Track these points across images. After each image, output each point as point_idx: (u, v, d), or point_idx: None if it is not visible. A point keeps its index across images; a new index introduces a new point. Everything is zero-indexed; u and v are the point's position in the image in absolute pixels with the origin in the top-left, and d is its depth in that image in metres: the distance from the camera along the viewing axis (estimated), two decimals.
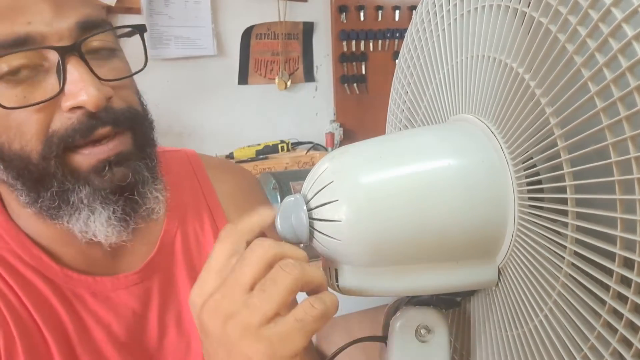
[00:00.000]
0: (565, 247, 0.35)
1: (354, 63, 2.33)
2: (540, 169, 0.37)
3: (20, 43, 0.43)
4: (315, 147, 2.20)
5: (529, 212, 0.38)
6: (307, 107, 2.31)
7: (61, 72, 0.45)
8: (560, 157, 0.34)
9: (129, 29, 0.52)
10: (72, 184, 0.47)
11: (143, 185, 0.50)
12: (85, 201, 0.47)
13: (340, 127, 2.30)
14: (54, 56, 0.45)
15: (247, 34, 2.14)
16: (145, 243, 0.58)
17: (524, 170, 0.38)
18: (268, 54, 2.21)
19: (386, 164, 0.39)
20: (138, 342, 0.57)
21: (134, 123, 0.50)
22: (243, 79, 2.14)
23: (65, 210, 0.48)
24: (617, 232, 0.30)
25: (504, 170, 0.39)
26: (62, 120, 0.46)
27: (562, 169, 0.34)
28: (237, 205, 0.67)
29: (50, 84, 0.46)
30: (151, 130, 0.54)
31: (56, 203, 0.48)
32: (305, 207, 0.39)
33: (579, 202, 0.34)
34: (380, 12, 2.34)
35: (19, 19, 0.43)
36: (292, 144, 2.14)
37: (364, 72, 2.35)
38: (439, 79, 0.49)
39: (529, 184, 0.38)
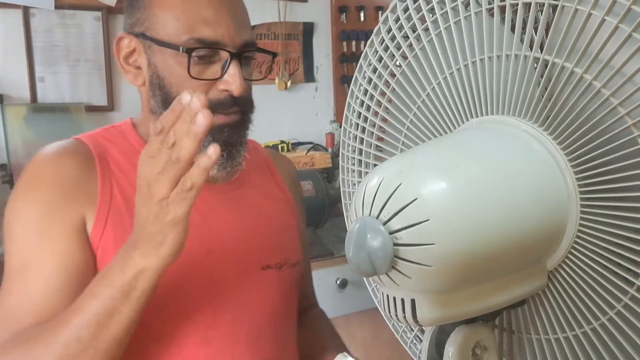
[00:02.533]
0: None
1: (354, 63, 2.32)
2: (595, 167, 0.36)
3: (215, 44, 0.71)
4: (316, 147, 2.20)
5: (590, 212, 0.38)
6: (307, 108, 2.31)
7: (226, 66, 0.72)
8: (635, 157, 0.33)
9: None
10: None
11: (239, 145, 0.76)
12: (205, 145, 0.62)
13: (340, 127, 2.31)
14: (225, 55, 0.72)
15: None
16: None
17: (582, 173, 0.38)
18: None
19: (468, 176, 0.36)
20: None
21: (247, 107, 0.76)
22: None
23: None
24: None
25: (562, 170, 0.39)
26: (216, 94, 0.73)
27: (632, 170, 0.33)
28: (290, 185, 0.93)
29: (215, 69, 0.73)
30: (251, 114, 0.78)
31: None
32: (385, 231, 0.33)
33: None
34: (380, 12, 2.34)
35: (219, 29, 0.71)
36: (292, 144, 2.14)
37: None
38: (434, 89, 0.49)
39: (587, 185, 0.38)
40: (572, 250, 0.40)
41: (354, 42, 2.31)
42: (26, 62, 1.80)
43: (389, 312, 0.38)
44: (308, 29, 2.27)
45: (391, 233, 0.33)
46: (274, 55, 0.81)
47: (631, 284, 0.36)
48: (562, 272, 0.41)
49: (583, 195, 0.39)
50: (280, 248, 0.83)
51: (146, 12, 0.74)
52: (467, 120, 0.47)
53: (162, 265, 0.59)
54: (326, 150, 2.23)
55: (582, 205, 0.39)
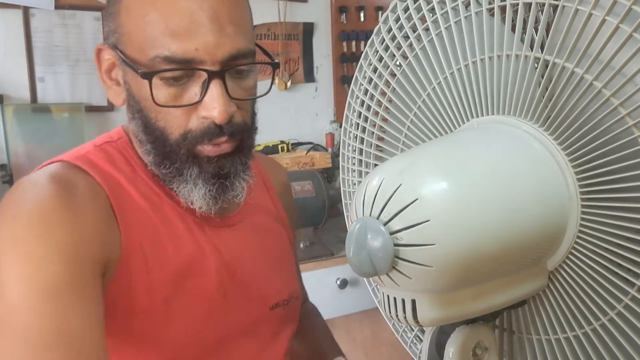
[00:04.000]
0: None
1: (354, 63, 2.33)
2: (594, 166, 0.37)
3: (187, 62, 0.58)
4: (315, 147, 2.20)
5: (591, 212, 0.38)
6: (307, 108, 2.31)
7: (205, 88, 0.59)
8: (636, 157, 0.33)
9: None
10: (189, 165, 0.62)
11: (235, 176, 0.64)
12: (192, 177, 0.62)
13: (340, 127, 2.31)
14: (204, 74, 0.58)
15: None
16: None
17: (582, 173, 0.38)
18: None
19: (469, 176, 0.36)
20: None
21: (243, 134, 0.64)
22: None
23: (177, 180, 0.63)
24: None
25: (563, 170, 0.39)
26: (197, 122, 0.61)
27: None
28: (282, 192, 0.84)
29: (194, 92, 0.60)
30: (253, 137, 0.67)
31: (173, 174, 0.63)
32: (385, 231, 0.33)
33: None
34: (380, 12, 2.34)
35: (191, 43, 0.57)
36: (292, 144, 2.14)
37: None
38: (435, 88, 0.49)
39: (587, 185, 0.38)
40: (573, 251, 0.40)
41: (354, 42, 2.31)
42: (26, 62, 1.80)
43: (390, 312, 0.38)
44: (308, 29, 2.27)
45: (392, 233, 0.33)
46: (275, 65, 0.67)
47: (632, 284, 0.36)
48: (562, 272, 0.41)
49: (584, 195, 0.39)
50: (284, 284, 0.76)
51: (116, 20, 0.61)
52: (468, 120, 0.47)
53: None
54: (326, 150, 2.23)
55: (583, 206, 0.39)
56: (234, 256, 0.70)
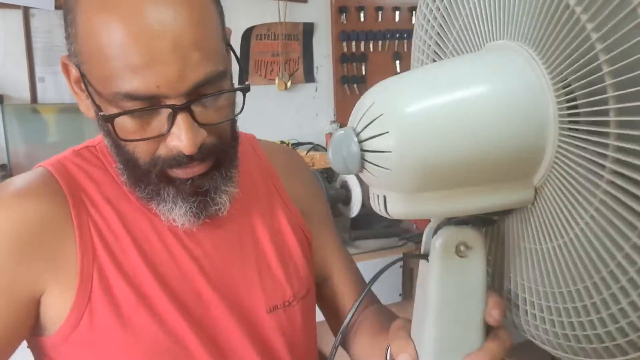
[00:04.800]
0: (604, 166, 0.37)
1: (354, 64, 2.34)
2: (580, 94, 0.38)
3: (149, 99, 0.54)
4: (316, 147, 2.20)
5: (569, 135, 0.40)
6: (307, 108, 2.31)
7: (171, 120, 0.56)
8: (603, 81, 0.35)
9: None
10: (164, 185, 0.61)
11: (215, 191, 0.63)
12: (171, 196, 0.61)
13: (340, 127, 2.31)
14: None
15: (247, 35, 2.14)
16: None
17: (565, 95, 0.39)
18: (268, 54, 2.21)
19: (432, 94, 0.41)
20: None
21: (219, 153, 0.62)
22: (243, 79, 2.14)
23: (156, 200, 0.62)
24: None
25: (544, 93, 0.41)
26: (166, 150, 0.58)
27: (605, 93, 0.36)
28: (290, 175, 0.81)
29: (161, 122, 0.57)
30: (234, 150, 0.66)
31: (150, 195, 0.62)
32: (356, 140, 0.42)
33: (620, 125, 0.35)
34: (380, 12, 2.34)
35: (152, 79, 0.53)
36: (292, 144, 2.14)
37: (364, 72, 2.35)
38: (471, 7, 0.50)
39: (569, 108, 0.39)
40: (552, 169, 0.42)
41: (354, 42, 2.31)
42: (26, 63, 1.80)
43: (372, 205, 0.47)
44: (308, 29, 2.27)
45: (361, 141, 0.42)
46: (245, 89, 0.62)
47: (595, 196, 0.38)
48: (546, 188, 0.44)
49: (562, 118, 0.40)
50: (285, 284, 0.72)
51: (76, 43, 0.57)
52: (485, 44, 0.49)
53: None
54: (326, 150, 2.23)
55: (561, 128, 0.41)
56: (213, 260, 0.68)
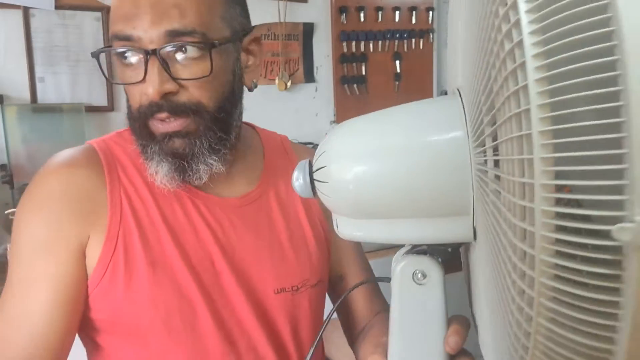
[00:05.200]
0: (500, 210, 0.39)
1: (354, 64, 2.34)
2: (489, 148, 0.41)
3: (126, 38, 0.63)
4: (316, 147, 2.19)
5: (480, 178, 0.43)
6: (307, 108, 2.31)
7: (145, 67, 0.63)
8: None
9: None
10: (149, 142, 0.67)
11: (192, 157, 0.67)
12: (154, 154, 0.67)
13: None
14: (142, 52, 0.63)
15: None
16: (246, 183, 0.79)
17: (481, 147, 0.42)
18: (268, 54, 2.21)
19: (368, 139, 0.49)
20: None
21: (194, 113, 0.66)
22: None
23: (144, 156, 0.69)
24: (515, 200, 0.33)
25: (465, 141, 0.45)
26: (145, 98, 0.65)
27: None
28: None
29: (141, 70, 0.63)
30: (224, 126, 0.70)
31: (143, 152, 0.69)
32: (308, 170, 0.52)
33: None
34: (380, 13, 2.34)
35: (130, 24, 0.62)
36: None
37: (364, 72, 2.35)
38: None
39: (480, 153, 0.42)
40: (477, 212, 0.45)
41: (354, 43, 2.31)
42: (26, 63, 1.80)
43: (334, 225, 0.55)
44: (308, 30, 2.27)
45: (313, 172, 0.51)
46: (209, 45, 0.64)
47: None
48: (479, 228, 0.47)
49: (479, 166, 0.43)
50: (295, 269, 0.76)
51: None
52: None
53: None
54: None
55: (477, 175, 0.44)
56: (229, 234, 0.73)
